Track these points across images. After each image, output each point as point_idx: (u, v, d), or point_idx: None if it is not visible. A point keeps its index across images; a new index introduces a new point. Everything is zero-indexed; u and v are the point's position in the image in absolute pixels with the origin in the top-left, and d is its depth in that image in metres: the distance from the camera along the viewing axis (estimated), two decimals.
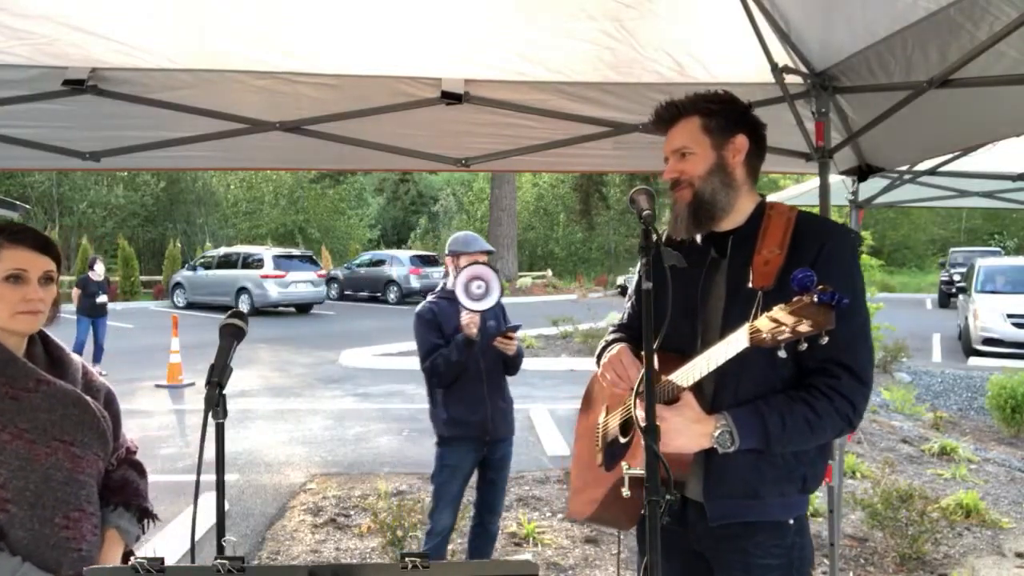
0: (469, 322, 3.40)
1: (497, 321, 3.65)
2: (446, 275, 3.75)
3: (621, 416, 2.00)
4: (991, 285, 14.70)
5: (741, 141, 1.85)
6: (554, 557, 4.60)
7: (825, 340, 1.45)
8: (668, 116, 1.91)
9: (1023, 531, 5.15)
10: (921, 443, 7.43)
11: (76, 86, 2.71)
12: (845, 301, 1.43)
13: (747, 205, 1.88)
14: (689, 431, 1.70)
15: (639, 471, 1.52)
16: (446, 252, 3.72)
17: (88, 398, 1.86)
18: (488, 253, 3.66)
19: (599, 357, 2.08)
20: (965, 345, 14.29)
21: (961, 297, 16.04)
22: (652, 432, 1.46)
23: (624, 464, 1.68)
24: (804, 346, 1.47)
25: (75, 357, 1.94)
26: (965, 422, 8.71)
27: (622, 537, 2.39)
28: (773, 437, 1.70)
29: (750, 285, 1.74)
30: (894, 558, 4.55)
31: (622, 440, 1.96)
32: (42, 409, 1.76)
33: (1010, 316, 13.46)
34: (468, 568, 1.58)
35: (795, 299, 1.46)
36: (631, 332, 2.09)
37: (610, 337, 2.13)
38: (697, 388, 1.75)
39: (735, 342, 1.59)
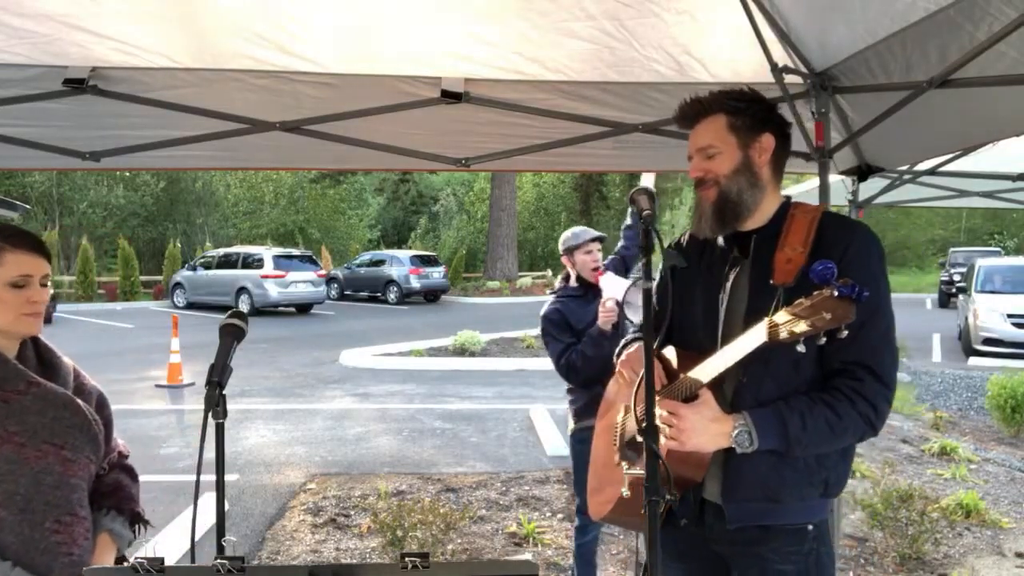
0: (607, 318, 3.40)
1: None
2: (566, 277, 3.75)
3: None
4: (991, 285, 14.70)
5: (767, 140, 1.82)
6: (554, 557, 4.59)
7: (845, 334, 1.44)
8: (693, 113, 1.87)
9: (1023, 531, 5.15)
10: (921, 443, 7.42)
11: (76, 85, 2.71)
12: (866, 294, 1.42)
13: (771, 205, 1.85)
14: (707, 430, 1.68)
15: (639, 471, 1.51)
16: (561, 253, 3.73)
17: (80, 401, 1.83)
18: (600, 240, 3.67)
19: (617, 356, 2.07)
20: (965, 345, 14.29)
21: (961, 297, 16.05)
22: (652, 432, 1.45)
23: (624, 464, 1.67)
24: (823, 340, 1.45)
25: (66, 360, 1.90)
26: (965, 422, 8.70)
27: (622, 537, 2.38)
28: (793, 438, 1.67)
29: (771, 282, 1.73)
30: (894, 558, 4.55)
31: (640, 439, 1.94)
32: (32, 412, 1.72)
33: (1010, 316, 13.46)
34: (468, 568, 1.58)
35: (815, 293, 1.45)
36: None
37: (629, 336, 2.12)
38: (716, 388, 1.73)
39: (753, 337, 1.58)
